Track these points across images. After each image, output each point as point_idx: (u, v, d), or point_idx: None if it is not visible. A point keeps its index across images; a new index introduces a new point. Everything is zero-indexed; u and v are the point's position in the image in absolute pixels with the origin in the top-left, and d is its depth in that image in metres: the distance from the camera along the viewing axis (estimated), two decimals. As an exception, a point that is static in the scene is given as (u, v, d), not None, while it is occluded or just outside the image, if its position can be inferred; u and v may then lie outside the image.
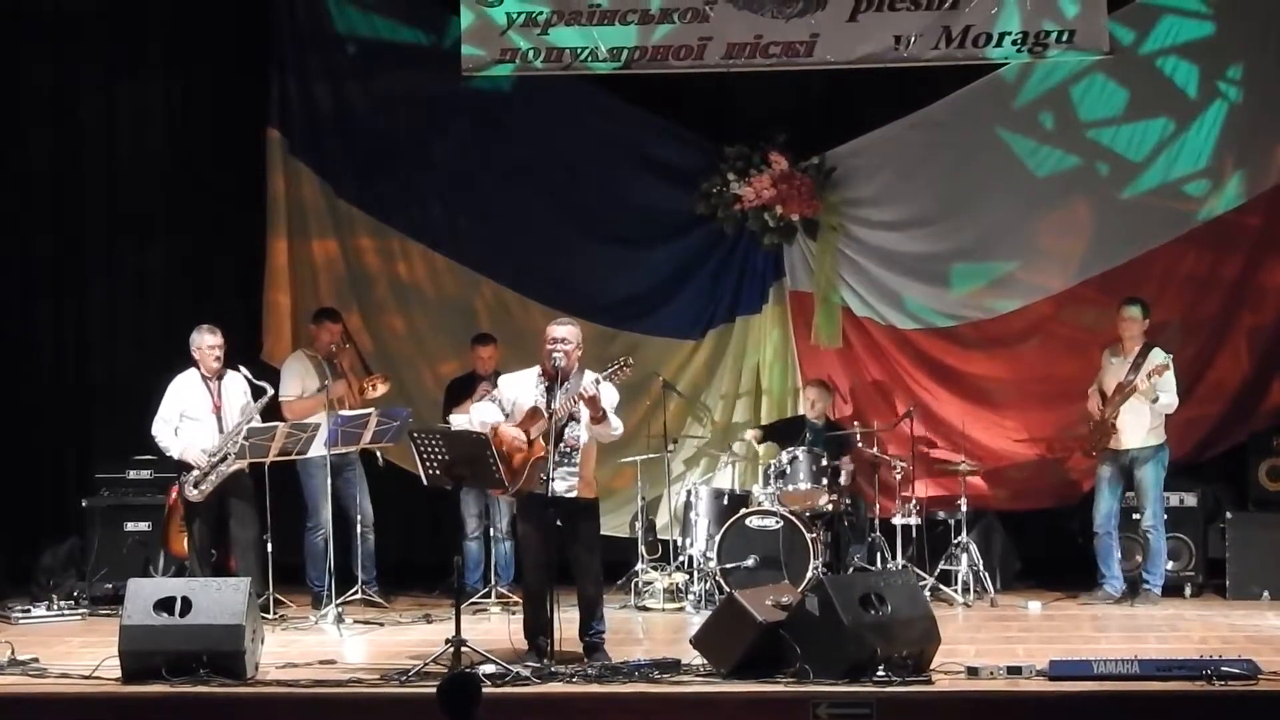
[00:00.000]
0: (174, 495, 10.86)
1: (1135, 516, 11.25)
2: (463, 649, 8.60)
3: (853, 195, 12.32)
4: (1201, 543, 11.54)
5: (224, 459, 10.42)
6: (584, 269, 12.46)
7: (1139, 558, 11.27)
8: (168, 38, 12.63)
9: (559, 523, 8.87)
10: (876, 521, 11.52)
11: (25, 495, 12.38)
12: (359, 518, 11.20)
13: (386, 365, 12.13)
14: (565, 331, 9.04)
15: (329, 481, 10.88)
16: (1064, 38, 11.79)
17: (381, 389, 11.38)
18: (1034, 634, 9.97)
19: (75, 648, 9.67)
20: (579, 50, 12.10)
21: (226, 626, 8.49)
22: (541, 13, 12.09)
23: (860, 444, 11.55)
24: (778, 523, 10.93)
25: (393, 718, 8.26)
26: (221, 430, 10.53)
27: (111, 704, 8.33)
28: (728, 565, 10.90)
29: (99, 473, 11.80)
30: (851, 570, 11.16)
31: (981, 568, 11.25)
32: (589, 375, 8.94)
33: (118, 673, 8.52)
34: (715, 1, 11.93)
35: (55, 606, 11.05)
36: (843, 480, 11.44)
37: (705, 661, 8.57)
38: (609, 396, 8.95)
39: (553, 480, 8.79)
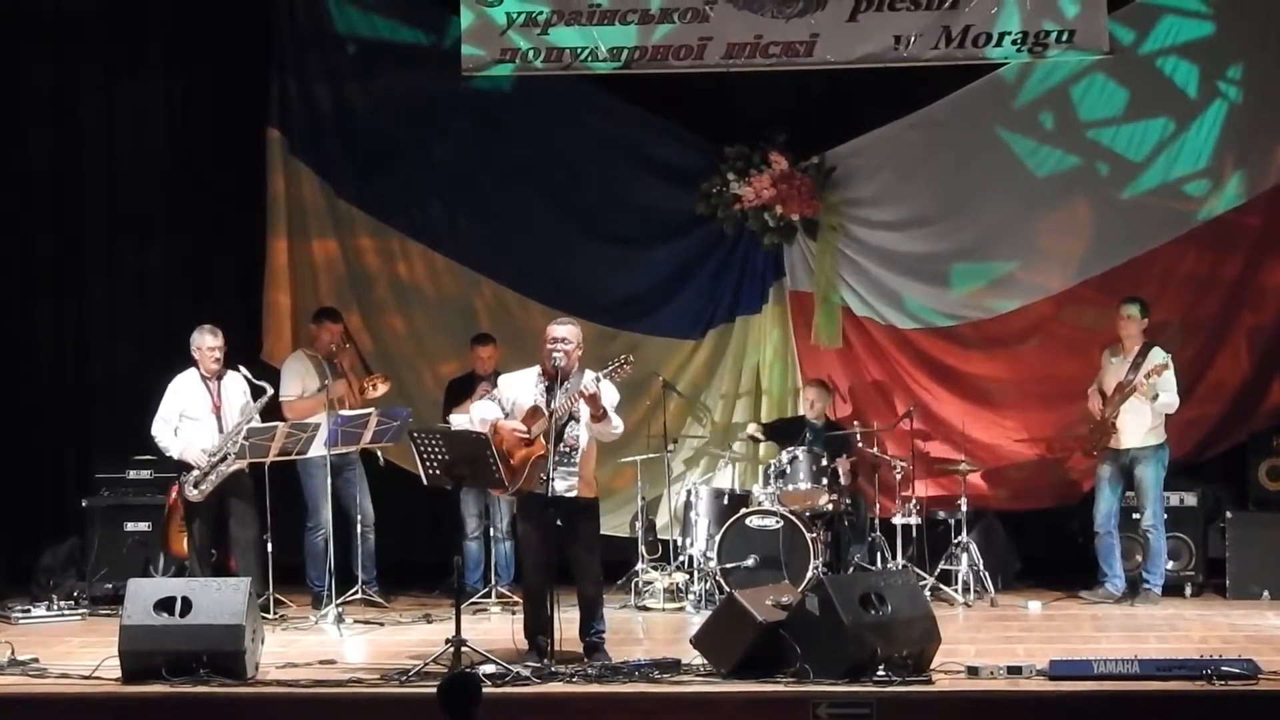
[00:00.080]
0: (174, 495, 10.86)
1: (1135, 516, 11.25)
2: (463, 649, 8.60)
3: (853, 195, 12.32)
4: (1201, 542, 11.54)
5: (224, 459, 10.42)
6: (584, 269, 12.46)
7: (1139, 557, 11.27)
8: (168, 38, 12.63)
9: (559, 522, 8.87)
10: (876, 521, 11.52)
11: (25, 495, 12.38)
12: (359, 518, 11.20)
13: (386, 365, 12.13)
14: (565, 331, 9.03)
15: (329, 481, 10.88)
16: (1064, 37, 11.79)
17: (381, 389, 11.38)
18: (1034, 634, 9.96)
19: (75, 648, 9.67)
20: (579, 50, 12.10)
21: (226, 626, 8.49)
22: (541, 13, 12.09)
23: (860, 444, 11.55)
24: (778, 523, 10.93)
25: (393, 718, 8.26)
26: (221, 430, 10.53)
27: (111, 704, 8.33)
28: (728, 565, 10.90)
29: (99, 473, 11.80)
30: (852, 570, 11.16)
31: (981, 567, 11.24)
32: (589, 374, 8.94)
33: (118, 673, 8.52)
34: (715, 1, 11.93)
35: (55, 606, 11.05)
36: (843, 480, 11.44)
37: (705, 661, 8.57)
38: (609, 395, 8.95)
39: (553, 480, 8.79)
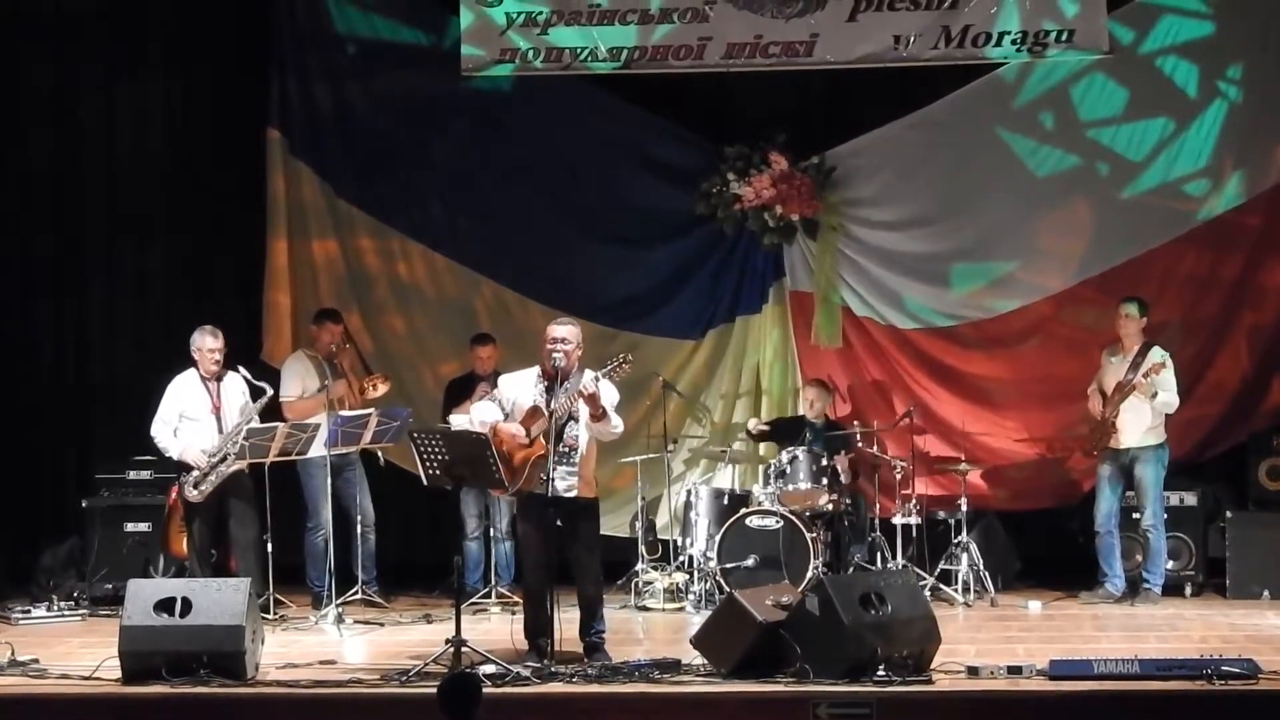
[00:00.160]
0: (174, 496, 10.85)
1: (1135, 516, 11.25)
2: (463, 649, 8.60)
3: (853, 195, 12.32)
4: (1201, 542, 11.54)
5: (224, 459, 10.42)
6: (584, 269, 12.46)
7: (1139, 557, 11.27)
8: (168, 38, 12.63)
9: (559, 522, 8.86)
10: (876, 521, 11.52)
11: (25, 495, 12.38)
12: (359, 518, 11.20)
13: (386, 365, 12.13)
14: (565, 331, 9.03)
15: (329, 482, 10.88)
16: (1063, 37, 11.79)
17: (382, 389, 11.38)
18: (1034, 634, 9.96)
19: (75, 648, 9.67)
20: (579, 50, 12.10)
21: (227, 627, 8.49)
22: (541, 13, 12.09)
23: (860, 444, 11.55)
24: (778, 522, 10.93)
25: (393, 718, 8.26)
26: (221, 431, 10.52)
27: (111, 704, 8.33)
28: (728, 565, 10.89)
29: (99, 473, 11.80)
30: (852, 570, 11.16)
31: (981, 567, 11.24)
32: (588, 374, 8.93)
33: (118, 673, 8.52)
34: (715, 1, 11.93)
35: (55, 607, 11.04)
36: (843, 480, 11.44)
37: (705, 661, 8.56)
38: (609, 394, 8.95)
39: (553, 480, 8.79)
